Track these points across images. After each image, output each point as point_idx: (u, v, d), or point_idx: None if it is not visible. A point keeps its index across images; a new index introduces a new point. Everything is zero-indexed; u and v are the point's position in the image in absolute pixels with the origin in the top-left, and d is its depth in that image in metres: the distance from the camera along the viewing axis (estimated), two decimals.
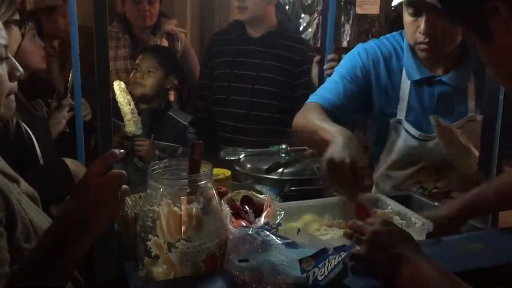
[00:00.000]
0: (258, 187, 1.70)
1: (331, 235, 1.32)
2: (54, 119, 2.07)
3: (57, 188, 1.63)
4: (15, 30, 1.69)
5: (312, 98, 1.73)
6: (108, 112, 1.08)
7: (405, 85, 1.70)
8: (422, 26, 1.55)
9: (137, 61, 2.55)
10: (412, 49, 1.68)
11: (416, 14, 1.57)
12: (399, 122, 1.71)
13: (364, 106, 1.77)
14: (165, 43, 2.81)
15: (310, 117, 1.59)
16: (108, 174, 0.98)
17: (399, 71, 1.72)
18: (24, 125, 1.71)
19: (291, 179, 1.75)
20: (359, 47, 1.80)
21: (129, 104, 2.30)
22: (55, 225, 1.01)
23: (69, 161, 1.79)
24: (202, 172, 1.14)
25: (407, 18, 1.61)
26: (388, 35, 1.80)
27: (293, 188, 1.72)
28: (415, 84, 1.69)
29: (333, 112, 1.65)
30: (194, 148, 1.16)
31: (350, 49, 1.84)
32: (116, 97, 2.27)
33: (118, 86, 2.28)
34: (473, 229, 1.40)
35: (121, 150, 1.01)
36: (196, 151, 1.16)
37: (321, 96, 1.71)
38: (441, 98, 1.67)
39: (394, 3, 1.60)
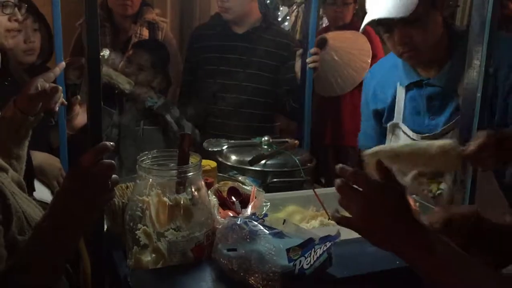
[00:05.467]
0: (241, 178, 1.73)
1: (315, 225, 1.36)
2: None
3: None
4: None
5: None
6: (98, 102, 1.08)
7: (400, 91, 1.76)
8: (396, 39, 1.61)
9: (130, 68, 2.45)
10: None
11: (388, 31, 1.63)
12: (397, 126, 1.77)
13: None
14: (145, 32, 2.79)
15: None
16: (99, 164, 0.98)
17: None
18: None
19: (274, 170, 1.78)
20: (366, 76, 1.99)
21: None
22: (47, 217, 1.00)
23: (39, 155, 1.75)
24: (191, 164, 1.16)
25: (383, 35, 1.67)
26: None
27: (275, 179, 1.76)
28: (408, 88, 1.75)
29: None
30: (183, 140, 1.18)
31: None
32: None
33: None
34: None
35: (112, 143, 1.01)
36: (185, 142, 1.18)
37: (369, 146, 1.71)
38: (431, 98, 1.71)
39: (363, 24, 1.63)
